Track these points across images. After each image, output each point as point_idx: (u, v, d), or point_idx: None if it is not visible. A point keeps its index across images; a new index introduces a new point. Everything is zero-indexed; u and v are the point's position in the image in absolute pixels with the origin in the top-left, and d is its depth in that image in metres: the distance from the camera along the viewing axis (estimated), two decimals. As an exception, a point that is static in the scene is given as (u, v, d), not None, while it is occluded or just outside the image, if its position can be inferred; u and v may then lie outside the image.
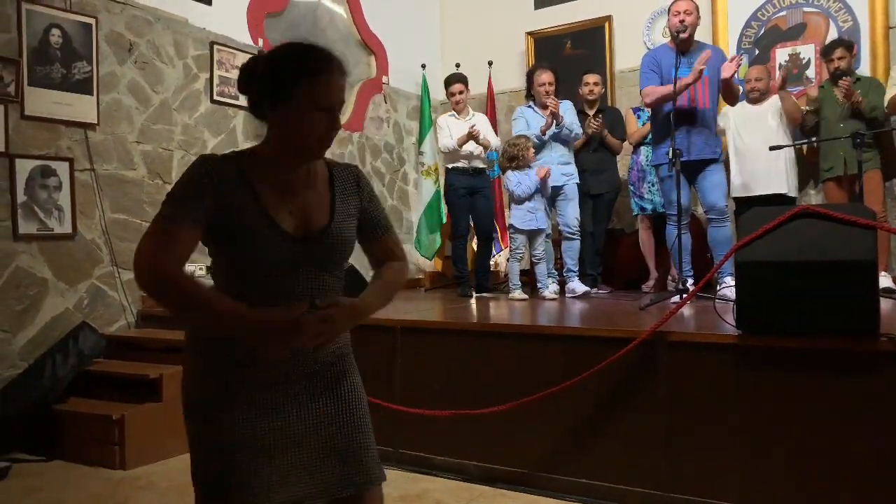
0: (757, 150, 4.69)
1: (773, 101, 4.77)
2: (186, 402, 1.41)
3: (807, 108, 4.61)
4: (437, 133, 5.23)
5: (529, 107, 4.93)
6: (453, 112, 5.17)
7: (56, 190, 3.76)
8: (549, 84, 4.80)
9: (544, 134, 4.70)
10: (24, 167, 3.62)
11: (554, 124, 4.67)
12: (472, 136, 4.84)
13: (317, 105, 1.35)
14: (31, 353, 3.61)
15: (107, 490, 2.94)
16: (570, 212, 4.74)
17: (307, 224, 1.41)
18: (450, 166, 5.05)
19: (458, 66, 6.14)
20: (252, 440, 1.36)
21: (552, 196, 4.76)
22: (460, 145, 4.89)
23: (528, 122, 4.80)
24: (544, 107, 4.76)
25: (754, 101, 4.75)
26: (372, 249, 1.56)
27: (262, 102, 1.42)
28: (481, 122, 5.12)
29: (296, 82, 1.35)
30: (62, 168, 3.79)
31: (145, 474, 3.15)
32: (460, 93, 5.12)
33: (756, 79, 4.74)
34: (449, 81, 5.21)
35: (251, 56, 1.47)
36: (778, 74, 4.91)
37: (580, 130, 4.90)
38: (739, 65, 3.92)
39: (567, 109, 4.77)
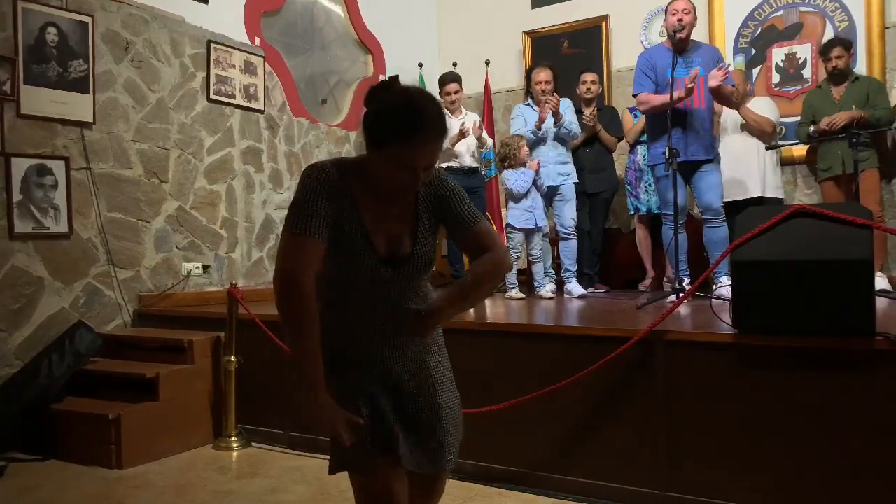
0: (737, 153, 4.70)
1: (751, 105, 4.76)
2: None
3: (812, 132, 4.57)
4: None
5: (528, 105, 4.93)
6: (446, 111, 5.16)
7: (52, 189, 3.75)
8: (546, 83, 4.80)
9: (539, 128, 4.69)
10: (19, 166, 3.61)
11: (552, 122, 4.67)
12: (463, 133, 4.84)
13: (402, 166, 1.42)
14: (27, 352, 3.60)
15: (103, 489, 2.94)
16: (567, 212, 4.74)
17: (394, 248, 1.54)
18: (443, 166, 5.05)
19: (454, 65, 6.15)
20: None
21: (549, 195, 4.76)
22: (453, 144, 4.89)
23: (527, 119, 4.80)
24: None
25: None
26: (462, 245, 1.62)
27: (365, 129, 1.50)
28: (473, 122, 5.11)
29: (388, 142, 1.41)
30: (58, 167, 3.78)
31: (142, 474, 3.15)
32: (455, 92, 5.11)
33: (735, 84, 4.71)
34: (444, 81, 5.21)
35: (387, 80, 1.51)
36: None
37: (579, 130, 4.89)
38: (727, 75, 3.91)
39: (566, 108, 4.76)
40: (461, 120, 5.03)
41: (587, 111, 5.20)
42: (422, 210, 1.57)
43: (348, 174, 1.51)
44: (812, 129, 4.59)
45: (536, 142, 4.75)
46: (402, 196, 1.53)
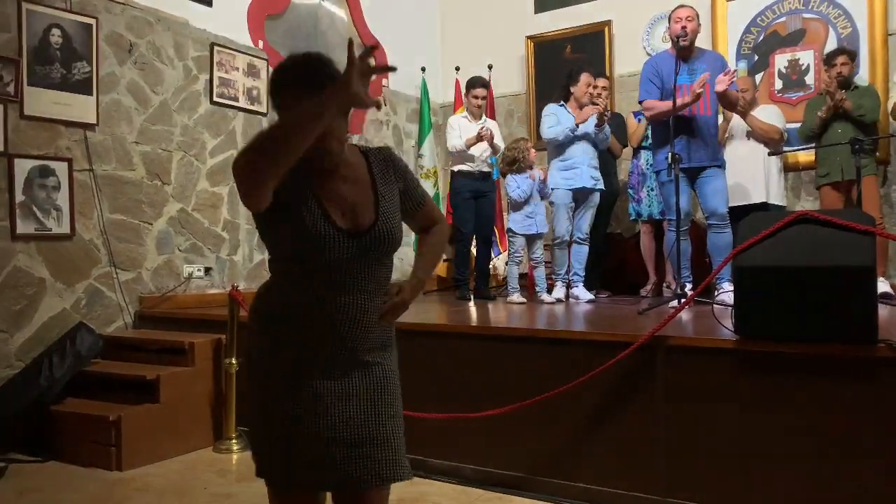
0: (741, 159, 4.70)
1: (758, 112, 4.77)
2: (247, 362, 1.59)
3: (820, 113, 4.57)
4: (446, 132, 5.22)
5: (562, 106, 4.84)
6: (466, 114, 5.16)
7: (54, 190, 3.75)
8: (592, 87, 4.77)
9: (577, 126, 4.64)
10: (22, 167, 3.62)
11: (593, 124, 4.63)
12: (480, 136, 4.83)
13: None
14: (29, 353, 3.61)
15: (103, 491, 2.94)
16: (587, 218, 4.72)
17: (356, 220, 1.46)
18: (456, 169, 5.04)
19: (457, 69, 6.17)
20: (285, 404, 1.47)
21: (579, 197, 4.70)
22: (468, 146, 4.87)
23: (560, 119, 4.69)
24: (578, 108, 4.72)
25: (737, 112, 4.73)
26: (413, 221, 1.66)
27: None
28: (493, 127, 5.11)
29: (277, 95, 1.45)
30: (61, 168, 3.78)
31: (141, 476, 3.14)
32: (483, 97, 5.10)
33: (742, 90, 4.71)
34: (472, 84, 5.15)
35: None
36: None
37: (609, 139, 4.88)
38: (733, 80, 3.92)
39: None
40: (480, 124, 5.02)
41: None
42: (379, 180, 1.53)
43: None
44: (820, 112, 4.54)
45: (572, 140, 4.68)
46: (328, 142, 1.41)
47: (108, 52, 4.05)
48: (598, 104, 4.60)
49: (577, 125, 4.61)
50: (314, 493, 1.53)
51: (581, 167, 4.64)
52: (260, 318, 1.54)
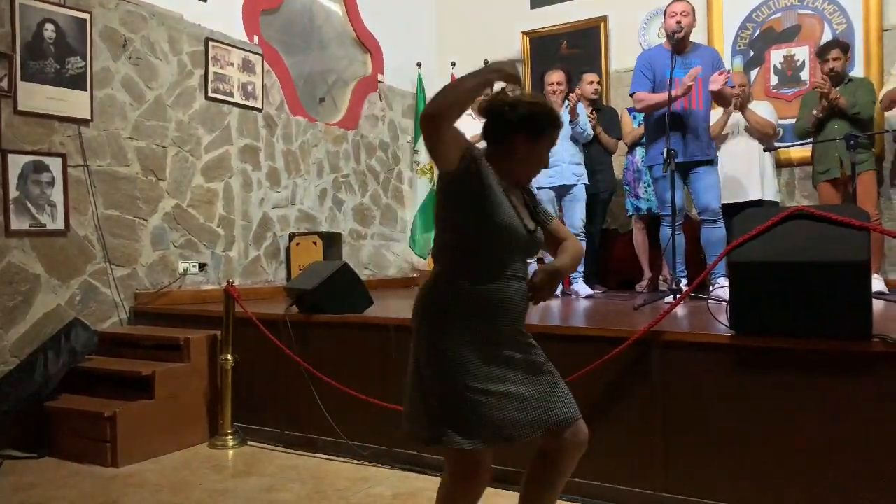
0: (735, 156, 4.70)
1: (751, 108, 4.77)
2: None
3: (816, 112, 4.56)
4: None
5: None
6: (470, 111, 5.14)
7: (49, 186, 3.74)
8: (558, 83, 4.79)
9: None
10: (16, 162, 3.60)
11: (568, 120, 4.66)
12: None
13: (549, 147, 1.92)
14: (23, 349, 3.59)
15: (98, 488, 2.93)
16: (577, 212, 4.72)
17: (526, 222, 1.85)
18: None
19: (453, 64, 6.16)
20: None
21: (560, 194, 4.74)
22: (475, 143, 4.88)
23: None
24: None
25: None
26: (547, 238, 1.98)
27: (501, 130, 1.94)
28: None
29: (546, 132, 1.90)
30: (55, 164, 3.77)
31: (137, 472, 3.14)
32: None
33: (740, 86, 4.72)
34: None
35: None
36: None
37: (591, 131, 4.88)
38: (727, 80, 3.93)
39: (580, 110, 4.76)
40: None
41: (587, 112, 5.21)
42: (527, 199, 1.96)
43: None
44: (815, 110, 4.52)
45: None
46: (533, 176, 1.98)
47: (102, 47, 4.03)
48: (570, 99, 4.64)
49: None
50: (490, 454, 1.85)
51: (561, 164, 4.67)
52: (436, 311, 1.81)
